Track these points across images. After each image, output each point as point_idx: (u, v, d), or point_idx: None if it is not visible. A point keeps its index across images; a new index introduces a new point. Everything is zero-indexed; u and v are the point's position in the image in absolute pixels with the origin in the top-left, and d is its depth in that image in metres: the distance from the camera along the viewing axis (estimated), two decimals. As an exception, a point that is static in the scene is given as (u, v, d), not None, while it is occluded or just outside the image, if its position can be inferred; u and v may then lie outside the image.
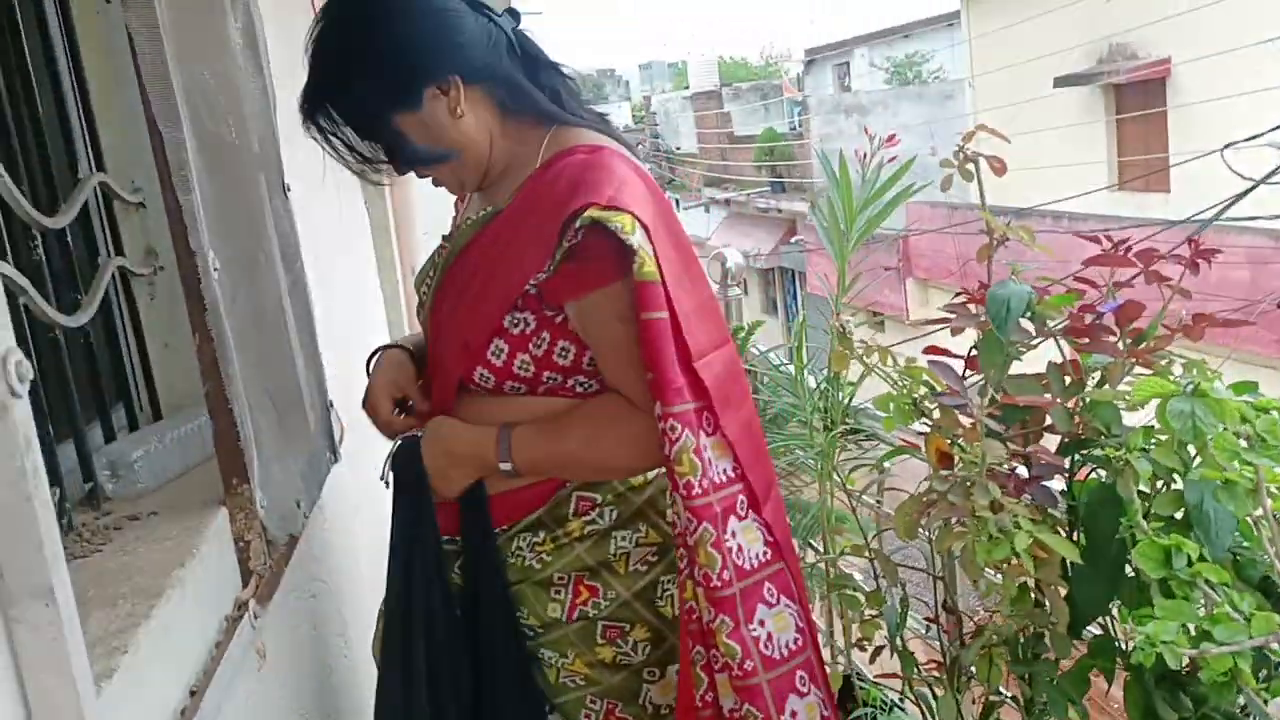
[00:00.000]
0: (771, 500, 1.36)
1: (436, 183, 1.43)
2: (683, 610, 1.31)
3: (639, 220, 1.22)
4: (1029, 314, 1.33)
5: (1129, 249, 1.40)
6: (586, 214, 1.21)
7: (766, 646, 1.28)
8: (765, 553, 1.30)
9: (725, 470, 1.28)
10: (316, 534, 1.61)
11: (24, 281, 1.13)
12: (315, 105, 1.32)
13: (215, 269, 1.23)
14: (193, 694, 1.01)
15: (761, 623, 1.28)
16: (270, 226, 1.62)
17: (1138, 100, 12.81)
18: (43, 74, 1.37)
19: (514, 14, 1.41)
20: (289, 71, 2.13)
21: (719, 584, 1.25)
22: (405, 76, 1.28)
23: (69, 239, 1.38)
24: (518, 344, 1.32)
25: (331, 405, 1.82)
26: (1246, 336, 8.81)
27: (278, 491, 1.36)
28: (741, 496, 1.29)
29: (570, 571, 1.38)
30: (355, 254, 3.00)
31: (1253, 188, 7.41)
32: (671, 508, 1.31)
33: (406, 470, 1.39)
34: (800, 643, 1.32)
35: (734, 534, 1.27)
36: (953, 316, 1.43)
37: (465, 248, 1.40)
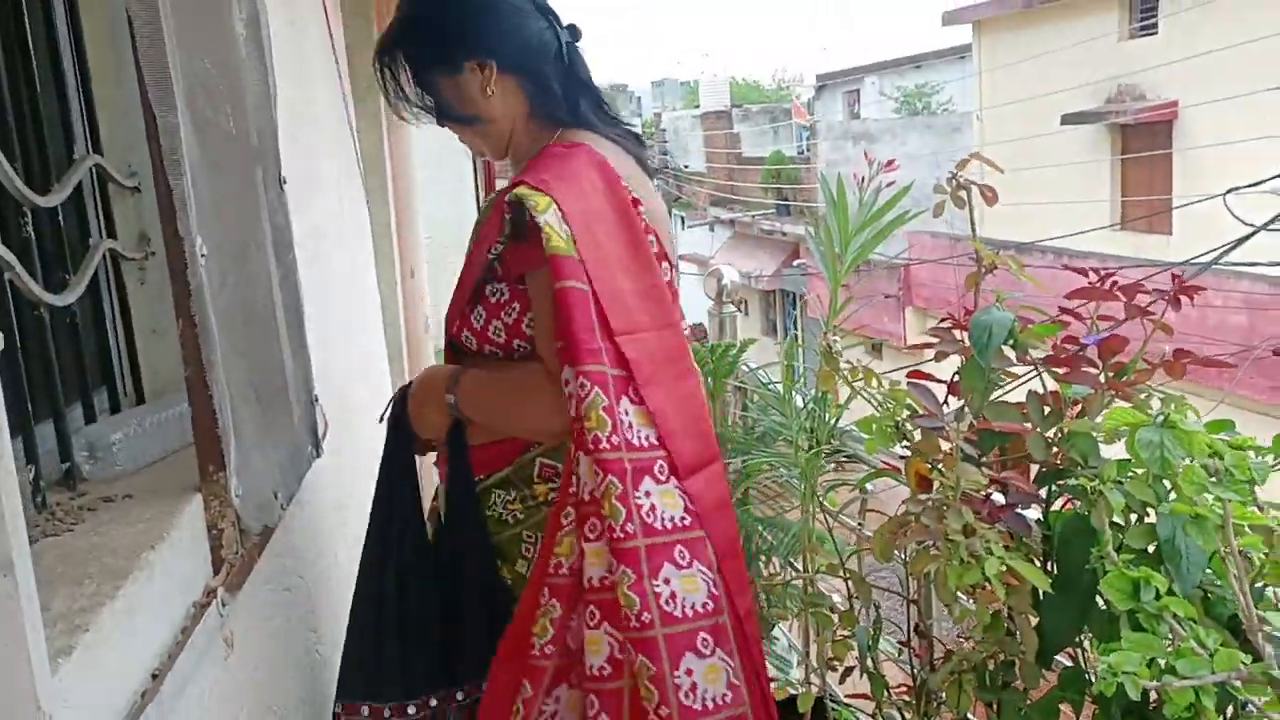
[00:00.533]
0: (706, 475, 1.43)
1: (463, 140, 1.64)
2: (551, 564, 1.37)
3: (556, 203, 1.36)
4: (1011, 342, 1.34)
5: (1114, 283, 1.41)
6: (515, 191, 1.38)
7: (668, 604, 1.32)
8: (684, 518, 1.36)
9: (646, 436, 1.37)
10: (294, 527, 1.61)
11: (11, 258, 1.13)
12: (388, 48, 1.57)
13: (203, 255, 1.23)
14: (154, 677, 1.01)
15: (667, 580, 1.33)
16: (264, 217, 1.62)
17: (1143, 141, 12.88)
18: (43, 53, 1.37)
19: (574, 30, 1.60)
20: (293, 68, 2.14)
21: (622, 536, 1.31)
22: (452, 44, 1.53)
23: (60, 219, 1.39)
24: (493, 311, 1.49)
25: (316, 399, 1.82)
26: (1241, 381, 8.83)
27: (255, 481, 1.36)
28: (662, 462, 1.37)
29: (538, 533, 1.48)
30: (353, 252, 3.00)
31: (1253, 233, 7.45)
32: (577, 468, 1.35)
33: (396, 408, 1.61)
34: (711, 608, 1.35)
35: (648, 494, 1.34)
36: (937, 341, 1.44)
37: (478, 225, 1.61)
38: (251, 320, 1.51)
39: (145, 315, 1.61)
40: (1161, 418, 1.09)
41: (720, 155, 23.84)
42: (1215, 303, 9.41)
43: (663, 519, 1.35)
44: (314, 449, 1.77)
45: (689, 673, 1.31)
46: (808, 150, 19.80)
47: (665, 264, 1.54)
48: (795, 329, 20.13)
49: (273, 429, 1.55)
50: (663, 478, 1.37)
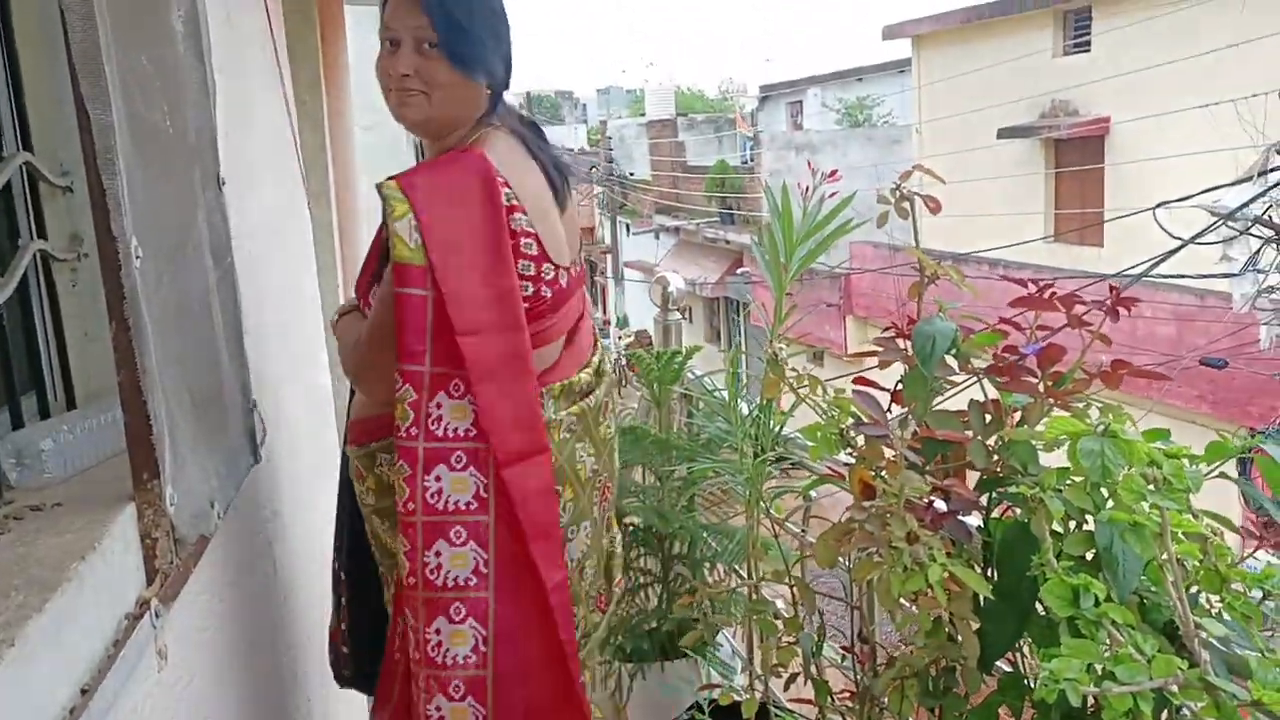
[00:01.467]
0: (533, 463, 1.56)
1: (404, 103, 1.60)
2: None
3: (414, 212, 1.48)
4: (953, 351, 1.35)
5: (1053, 294, 1.44)
6: (384, 186, 1.50)
7: (433, 574, 1.51)
8: (470, 503, 1.53)
9: (456, 429, 1.52)
10: (230, 535, 1.57)
11: (-66, 256, 1.09)
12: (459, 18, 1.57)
13: (138, 257, 1.20)
14: (83, 692, 0.97)
15: (438, 554, 1.52)
16: (201, 219, 1.59)
17: (1076, 155, 13.19)
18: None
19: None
20: (232, 66, 2.10)
21: (403, 511, 1.52)
22: (485, 65, 1.61)
23: (-13, 218, 1.34)
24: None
25: (254, 405, 1.79)
26: (1168, 390, 9.07)
27: (191, 489, 1.32)
28: (461, 453, 1.52)
29: None
30: (293, 255, 2.95)
31: (1181, 246, 7.65)
32: None
33: None
34: (473, 583, 1.53)
35: (438, 478, 1.52)
36: (880, 350, 1.45)
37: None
38: (187, 323, 1.47)
39: (77, 318, 1.57)
40: (1102, 427, 1.10)
41: (665, 163, 23.91)
42: (1145, 314, 9.67)
43: (446, 501, 1.52)
44: (252, 455, 1.73)
45: (438, 632, 1.52)
46: (751, 160, 19.96)
47: (547, 264, 1.62)
48: (739, 336, 20.26)
49: (209, 435, 1.52)
50: (459, 467, 1.52)
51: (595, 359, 1.82)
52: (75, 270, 1.57)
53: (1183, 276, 8.29)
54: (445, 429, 1.51)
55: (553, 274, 1.63)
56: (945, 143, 14.23)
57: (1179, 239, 7.41)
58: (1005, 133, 13.60)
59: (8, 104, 1.45)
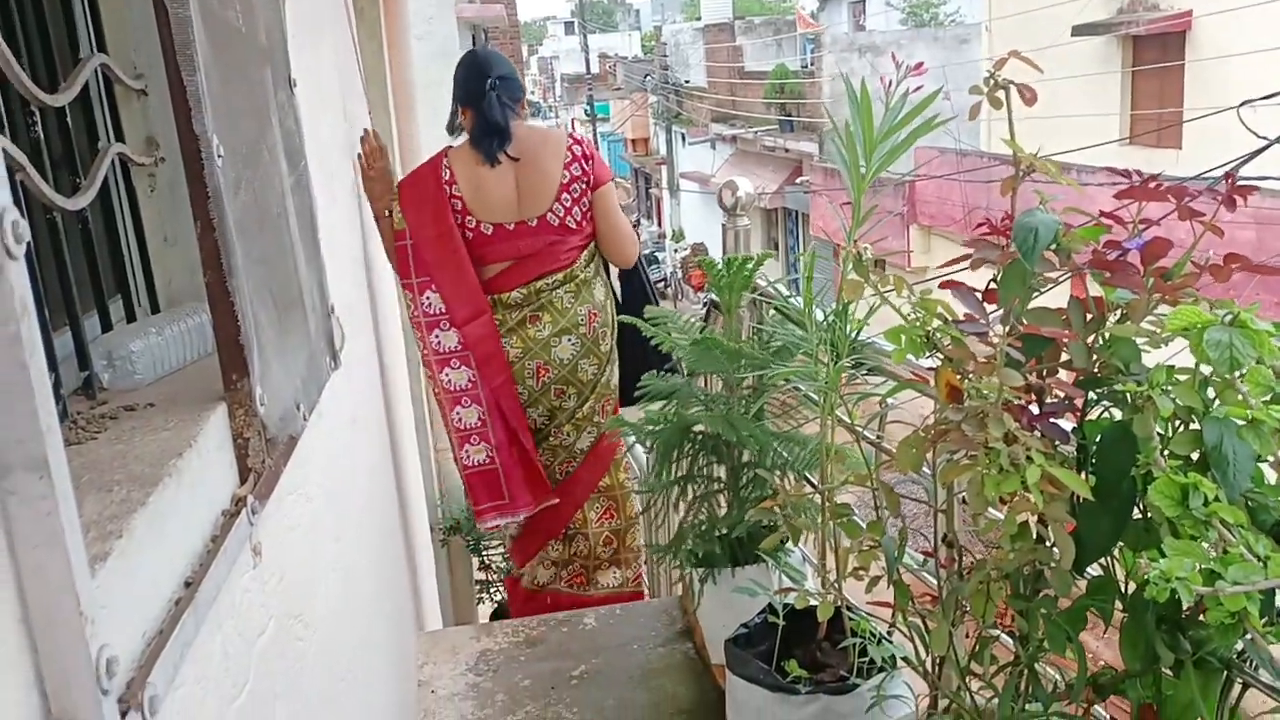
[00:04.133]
0: (478, 322, 2.88)
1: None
2: None
3: (399, 197, 2.88)
4: (1054, 246, 1.30)
5: (1160, 184, 1.37)
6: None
7: (448, 385, 2.95)
8: (457, 346, 2.90)
9: (438, 308, 2.89)
10: (314, 438, 1.59)
11: (22, 158, 1.08)
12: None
13: (220, 156, 1.18)
14: (188, 585, 0.99)
15: (446, 375, 2.94)
16: (275, 120, 1.57)
17: (1155, 53, 12.60)
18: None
19: (496, 82, 2.98)
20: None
21: (423, 357, 3.04)
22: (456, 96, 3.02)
23: (68, 121, 1.34)
24: None
25: (333, 310, 1.79)
26: (1248, 297, 8.77)
27: (278, 391, 1.33)
28: (445, 320, 2.90)
29: None
30: (359, 163, 2.94)
31: (1266, 147, 7.31)
32: None
33: None
34: (470, 389, 2.93)
35: (437, 336, 2.91)
36: (974, 250, 1.40)
37: None
38: (266, 227, 1.46)
39: (156, 223, 1.57)
40: (1229, 317, 1.05)
41: (722, 70, 23.37)
42: (1224, 217, 9.31)
43: (444, 347, 2.89)
44: (332, 360, 1.74)
45: (458, 418, 2.95)
46: (812, 64, 19.41)
47: (469, 217, 2.89)
48: (798, 248, 20.00)
49: (291, 339, 1.52)
50: (445, 327, 2.88)
51: (536, 284, 2.90)
52: (153, 175, 1.57)
53: (1266, 178, 7.94)
54: (433, 308, 2.89)
55: (475, 224, 2.88)
56: (1016, 41, 13.63)
57: (1264, 139, 7.08)
58: (1080, 30, 13.01)
59: (81, 5, 1.43)
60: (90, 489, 0.96)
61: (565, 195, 2.89)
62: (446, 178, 2.85)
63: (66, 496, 0.68)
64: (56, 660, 0.70)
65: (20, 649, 0.68)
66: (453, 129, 3.02)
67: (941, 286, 1.53)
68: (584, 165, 2.92)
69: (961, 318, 1.34)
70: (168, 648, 0.87)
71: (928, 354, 1.55)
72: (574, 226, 2.92)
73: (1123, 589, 1.36)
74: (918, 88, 1.99)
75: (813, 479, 2.53)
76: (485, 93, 2.84)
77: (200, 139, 1.15)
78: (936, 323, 1.52)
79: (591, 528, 3.22)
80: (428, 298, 2.82)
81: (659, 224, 30.13)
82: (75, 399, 1.25)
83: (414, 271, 2.81)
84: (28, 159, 1.10)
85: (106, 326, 1.39)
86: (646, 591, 3.52)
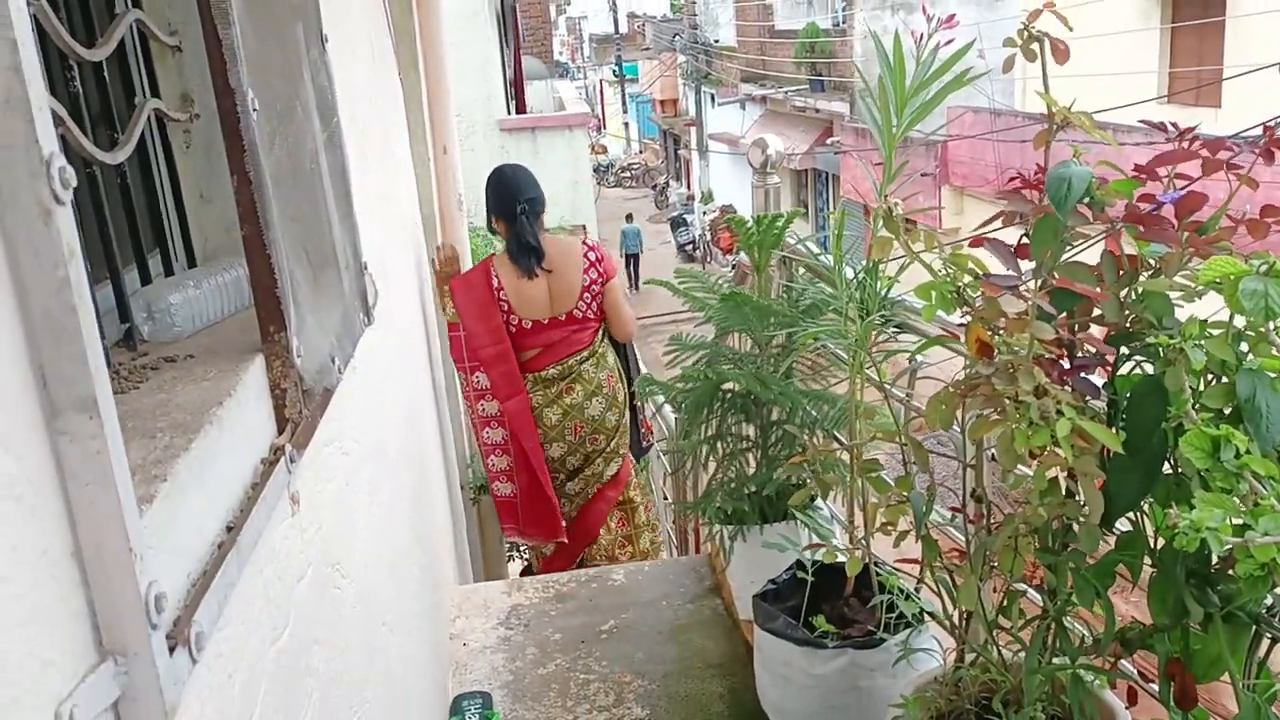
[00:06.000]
0: (516, 400, 3.59)
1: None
2: None
3: (452, 295, 3.59)
4: (1088, 199, 1.28)
5: (1195, 139, 1.35)
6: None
7: (487, 440, 3.70)
8: (498, 413, 3.62)
9: (485, 386, 3.61)
10: (349, 392, 1.61)
11: (62, 112, 1.10)
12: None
13: (255, 110, 1.19)
14: (229, 529, 1.02)
15: (487, 434, 3.68)
16: (307, 76, 1.58)
17: (1195, 9, 12.31)
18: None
19: (528, 204, 3.62)
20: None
21: (471, 422, 3.89)
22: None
23: (105, 77, 1.35)
24: None
25: (366, 267, 1.81)
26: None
27: (313, 344, 1.35)
28: (490, 394, 3.61)
29: None
30: (386, 122, 2.95)
31: (1310, 104, 7.15)
32: None
33: None
34: (502, 445, 3.69)
35: (483, 406, 3.64)
36: (1008, 204, 1.39)
37: None
38: (299, 182, 1.48)
39: (192, 179, 1.59)
40: (1265, 267, 1.04)
41: (752, 29, 23.08)
42: (1264, 177, 9.13)
43: (486, 413, 3.62)
44: (365, 316, 1.76)
45: (492, 463, 3.71)
46: (843, 22, 19.12)
47: (513, 315, 3.57)
48: (827, 209, 19.83)
49: (325, 294, 1.54)
50: (489, 399, 3.61)
51: (567, 362, 3.63)
52: (188, 131, 1.59)
53: (1309, 137, 7.77)
54: (480, 385, 3.60)
55: (517, 320, 3.57)
56: (1052, -2, 13.38)
57: (1308, 96, 6.91)
58: (1118, -15, 12.73)
59: (116, -40, 1.44)
60: (135, 435, 0.98)
61: (586, 294, 3.65)
62: (496, 284, 3.54)
63: (115, 436, 0.71)
64: (108, 594, 0.72)
65: (73, 583, 0.71)
66: (491, 230, 3.85)
67: (971, 244, 1.52)
68: (598, 268, 3.69)
69: (993, 273, 1.33)
70: (212, 588, 0.90)
71: (958, 310, 1.55)
72: (592, 317, 3.70)
73: (1151, 544, 1.36)
74: (949, 41, 1.97)
75: (841, 436, 2.54)
76: (517, 216, 3.54)
77: (236, 93, 1.17)
78: (967, 278, 1.52)
79: (609, 535, 3.99)
80: (477, 377, 3.58)
81: (688, 186, 29.94)
82: (117, 350, 1.27)
83: (466, 357, 3.56)
84: (67, 113, 1.12)
85: (145, 280, 1.42)
86: None
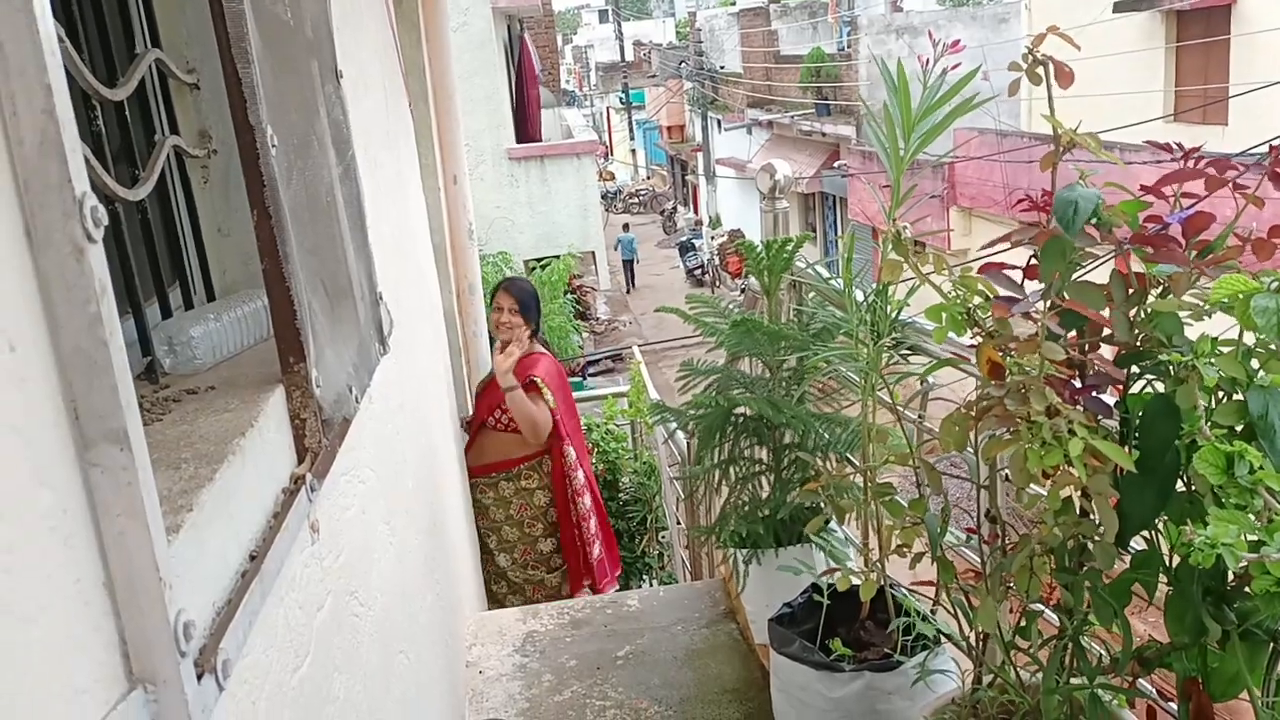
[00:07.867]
0: (582, 461, 4.13)
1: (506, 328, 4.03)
2: None
3: (548, 385, 3.93)
4: (1094, 220, 1.30)
5: (1201, 158, 1.36)
6: (535, 377, 3.92)
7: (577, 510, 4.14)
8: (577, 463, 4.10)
9: (574, 453, 4.04)
10: (365, 422, 1.63)
11: (85, 149, 1.12)
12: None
13: (274, 145, 1.22)
14: (253, 558, 1.03)
15: (579, 507, 4.13)
16: (322, 111, 1.61)
17: (1199, 28, 12.36)
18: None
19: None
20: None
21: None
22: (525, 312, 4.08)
23: (126, 115, 1.38)
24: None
25: (381, 298, 1.83)
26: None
27: (331, 374, 1.37)
28: (574, 453, 4.06)
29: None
30: (398, 154, 2.99)
31: (1317, 121, 7.15)
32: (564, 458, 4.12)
33: None
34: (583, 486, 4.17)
35: (572, 481, 4.10)
36: (1019, 229, 1.40)
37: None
38: (317, 216, 1.50)
39: (210, 214, 1.62)
40: (1276, 284, 1.05)
41: (757, 54, 23.23)
42: (1271, 194, 9.12)
43: (576, 485, 4.04)
44: (381, 346, 1.78)
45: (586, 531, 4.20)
46: (848, 46, 19.24)
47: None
48: (835, 232, 19.87)
49: (342, 324, 1.56)
50: (577, 469, 4.02)
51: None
52: (206, 167, 1.61)
53: (1316, 154, 7.77)
54: (569, 459, 4.01)
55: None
56: (1056, 19, 13.35)
57: (1314, 113, 6.93)
58: (1122, 6, 12.80)
59: (136, 2, 1.48)
60: (160, 466, 1.00)
61: None
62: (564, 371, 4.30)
63: (145, 467, 0.72)
64: (137, 622, 0.73)
65: (104, 612, 0.72)
66: (538, 329, 4.26)
67: (980, 271, 1.54)
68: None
69: (1002, 294, 1.35)
70: (237, 616, 0.91)
71: (969, 332, 1.56)
72: None
73: (1167, 562, 1.36)
74: (955, 65, 1.99)
75: (854, 460, 2.54)
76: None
77: (255, 130, 1.19)
78: (977, 300, 1.53)
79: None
80: (567, 445, 4.04)
81: (695, 211, 30.05)
82: (139, 383, 1.29)
83: (559, 434, 4.01)
84: (91, 151, 1.14)
85: (166, 314, 1.44)
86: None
